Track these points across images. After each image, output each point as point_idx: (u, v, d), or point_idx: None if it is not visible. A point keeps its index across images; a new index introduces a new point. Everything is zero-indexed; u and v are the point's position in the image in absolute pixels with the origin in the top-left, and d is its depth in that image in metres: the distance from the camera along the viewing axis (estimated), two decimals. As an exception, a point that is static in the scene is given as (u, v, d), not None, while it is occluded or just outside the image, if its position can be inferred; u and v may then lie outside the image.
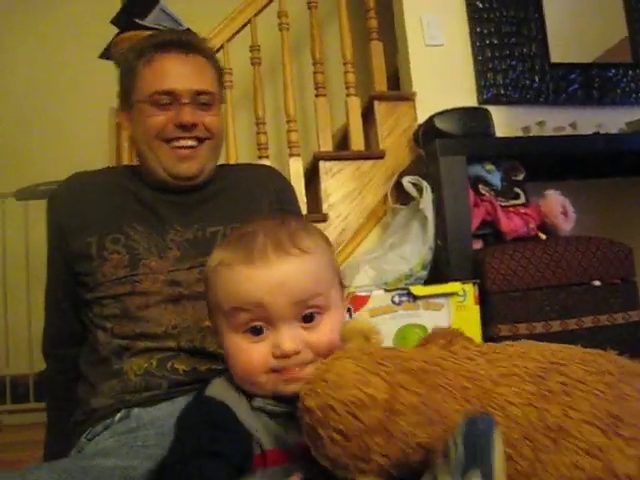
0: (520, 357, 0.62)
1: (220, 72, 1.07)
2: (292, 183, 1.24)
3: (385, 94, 2.16)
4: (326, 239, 0.71)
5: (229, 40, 2.10)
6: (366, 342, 0.63)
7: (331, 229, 1.96)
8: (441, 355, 0.63)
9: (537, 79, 2.22)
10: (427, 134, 1.87)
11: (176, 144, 0.99)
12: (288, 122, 2.11)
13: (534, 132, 2.05)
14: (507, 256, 1.63)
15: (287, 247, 0.64)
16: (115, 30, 1.98)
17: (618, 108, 2.27)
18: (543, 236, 1.78)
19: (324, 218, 1.96)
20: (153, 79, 0.98)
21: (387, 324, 1.31)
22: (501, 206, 1.78)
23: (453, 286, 1.39)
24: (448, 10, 2.21)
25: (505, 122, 2.11)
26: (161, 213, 1.01)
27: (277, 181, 1.16)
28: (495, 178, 1.81)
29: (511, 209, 1.80)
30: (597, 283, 1.66)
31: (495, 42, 2.21)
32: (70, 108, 2.83)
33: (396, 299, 1.34)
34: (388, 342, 1.27)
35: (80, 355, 1.01)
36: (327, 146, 2.08)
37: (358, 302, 1.31)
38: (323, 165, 2.03)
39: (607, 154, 1.91)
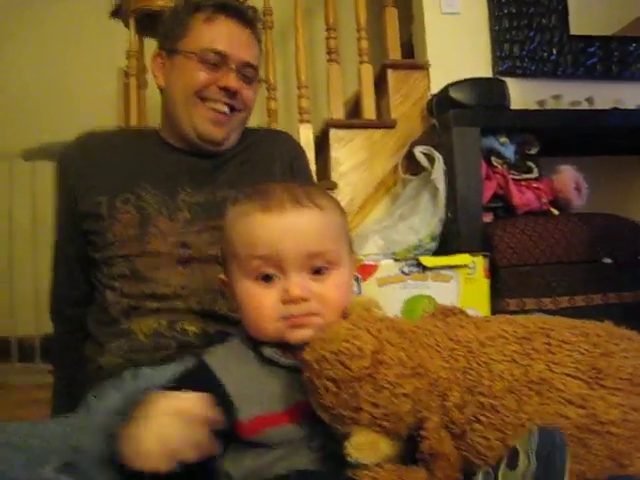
0: (509, 323, 0.65)
1: (261, 54, 1.08)
2: (302, 151, 1.22)
3: (398, 62, 2.11)
4: (340, 205, 0.74)
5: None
6: (366, 312, 0.67)
7: (340, 198, 1.93)
8: (434, 323, 0.67)
9: (555, 51, 2.16)
10: (441, 104, 1.84)
11: (213, 106, 0.98)
12: (299, 88, 2.07)
13: (549, 106, 2.01)
14: (518, 230, 1.61)
15: (303, 201, 0.67)
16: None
17: (637, 83, 2.21)
18: (555, 211, 1.76)
19: (334, 187, 1.94)
20: (209, 35, 0.98)
21: (395, 294, 1.30)
22: (513, 179, 1.76)
23: (463, 258, 1.38)
24: (466, -23, 2.14)
25: (520, 95, 2.06)
26: (173, 174, 1.00)
27: (291, 148, 1.15)
28: (509, 151, 1.78)
29: (523, 183, 1.78)
30: (608, 260, 1.65)
31: (513, 11, 2.15)
32: (78, 69, 2.80)
33: (405, 269, 1.33)
34: (396, 312, 1.27)
35: (88, 315, 1.01)
36: (338, 114, 2.04)
37: (366, 271, 1.30)
38: (334, 133, 1.99)
39: (624, 130, 1.87)
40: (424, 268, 1.34)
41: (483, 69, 2.11)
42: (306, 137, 1.98)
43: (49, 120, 2.65)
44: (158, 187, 0.98)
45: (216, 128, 0.99)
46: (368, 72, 2.09)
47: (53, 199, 1.09)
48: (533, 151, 1.85)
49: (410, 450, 0.62)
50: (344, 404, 0.58)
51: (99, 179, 0.99)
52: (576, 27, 2.17)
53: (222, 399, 0.63)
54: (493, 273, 1.50)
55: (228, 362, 0.68)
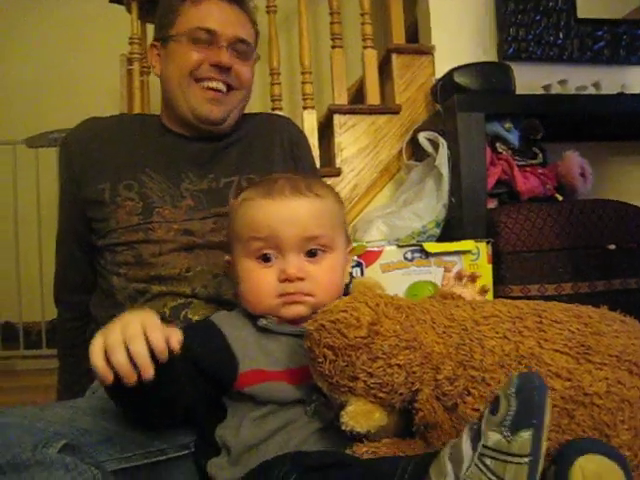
0: (504, 305, 0.68)
1: (257, 35, 1.08)
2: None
3: (403, 47, 2.09)
4: (338, 195, 0.80)
5: (244, -14, 2.02)
6: (367, 290, 0.71)
7: (344, 184, 1.93)
8: (432, 303, 0.70)
9: (562, 35, 2.13)
10: (445, 89, 1.82)
11: (208, 84, 0.98)
12: (303, 74, 2.05)
13: (555, 91, 1.98)
14: (522, 216, 1.60)
15: (303, 190, 0.73)
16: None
17: (645, 68, 2.18)
18: (560, 197, 1.75)
19: (337, 172, 1.93)
20: (197, 16, 0.97)
21: (399, 280, 1.30)
22: (518, 165, 1.74)
23: (467, 244, 1.37)
24: (471, -41, 2.11)
25: (526, 79, 2.03)
26: (176, 161, 1.00)
27: (292, 133, 1.14)
28: (513, 136, 1.77)
29: (528, 169, 1.76)
30: (612, 247, 1.64)
31: (519, -6, 2.12)
32: (81, 56, 2.79)
33: (408, 255, 1.32)
34: (399, 298, 1.27)
35: (92, 300, 1.01)
36: (342, 99, 2.03)
37: (370, 257, 1.30)
38: (338, 119, 1.98)
39: (631, 115, 1.84)
40: (427, 254, 1.33)
41: (488, 53, 2.08)
42: (310, 123, 1.97)
43: (52, 108, 2.65)
44: (161, 174, 0.98)
45: (213, 107, 0.99)
46: (372, 57, 2.07)
47: (56, 185, 1.09)
48: (538, 136, 1.83)
49: (407, 425, 0.64)
50: (341, 372, 0.61)
51: (102, 165, 0.99)
52: (584, 10, 2.14)
53: (225, 352, 0.69)
54: (497, 259, 1.49)
55: (231, 323, 0.73)
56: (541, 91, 1.99)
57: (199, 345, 0.68)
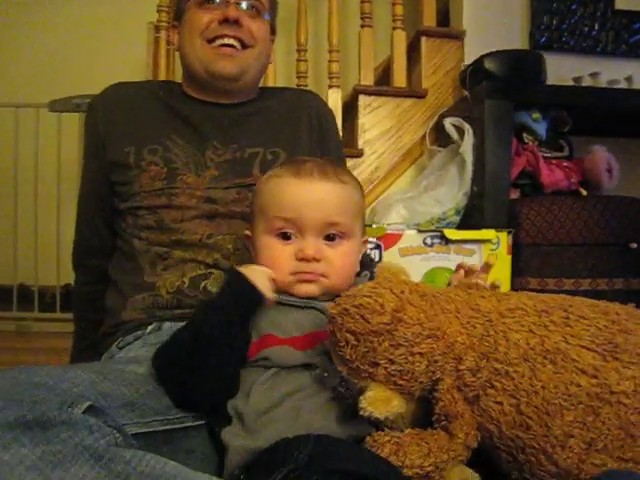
0: (530, 299, 0.67)
1: (273, 3, 1.07)
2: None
3: (433, 30, 2.06)
4: (361, 186, 0.82)
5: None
6: (392, 276, 0.70)
7: (365, 165, 1.92)
8: (456, 292, 0.70)
9: (597, 26, 2.08)
10: (474, 75, 1.79)
11: (219, 42, 0.97)
12: (330, 52, 2.03)
13: (586, 83, 1.94)
14: (544, 209, 1.58)
15: (329, 174, 0.75)
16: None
17: (681, 64, 2.13)
18: (584, 192, 1.72)
19: (359, 154, 1.91)
20: None
21: (417, 265, 1.30)
22: (544, 157, 1.72)
23: (487, 233, 1.36)
24: (508, -57, 2.05)
25: (556, 70, 1.99)
26: (201, 128, 1.00)
27: (320, 108, 1.13)
28: (541, 128, 1.74)
29: (554, 161, 1.74)
30: (634, 245, 1.61)
31: (556, -18, 2.07)
32: (108, 24, 2.78)
33: (428, 241, 1.32)
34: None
35: (112, 263, 1.02)
36: (368, 80, 2.00)
37: (390, 240, 1.29)
38: (363, 99, 1.96)
39: (662, 112, 1.81)
40: (447, 241, 1.32)
41: (519, 41, 2.04)
42: (334, 102, 1.96)
43: (78, 75, 2.65)
44: (186, 140, 0.98)
45: (226, 62, 0.98)
46: (401, 39, 2.04)
47: (77, 151, 1.09)
48: (565, 129, 1.80)
49: (426, 415, 0.64)
50: (362, 358, 0.61)
51: (127, 129, 0.99)
52: (622, 1, 2.08)
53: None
54: (516, 250, 1.48)
55: None
56: (571, 83, 1.95)
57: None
